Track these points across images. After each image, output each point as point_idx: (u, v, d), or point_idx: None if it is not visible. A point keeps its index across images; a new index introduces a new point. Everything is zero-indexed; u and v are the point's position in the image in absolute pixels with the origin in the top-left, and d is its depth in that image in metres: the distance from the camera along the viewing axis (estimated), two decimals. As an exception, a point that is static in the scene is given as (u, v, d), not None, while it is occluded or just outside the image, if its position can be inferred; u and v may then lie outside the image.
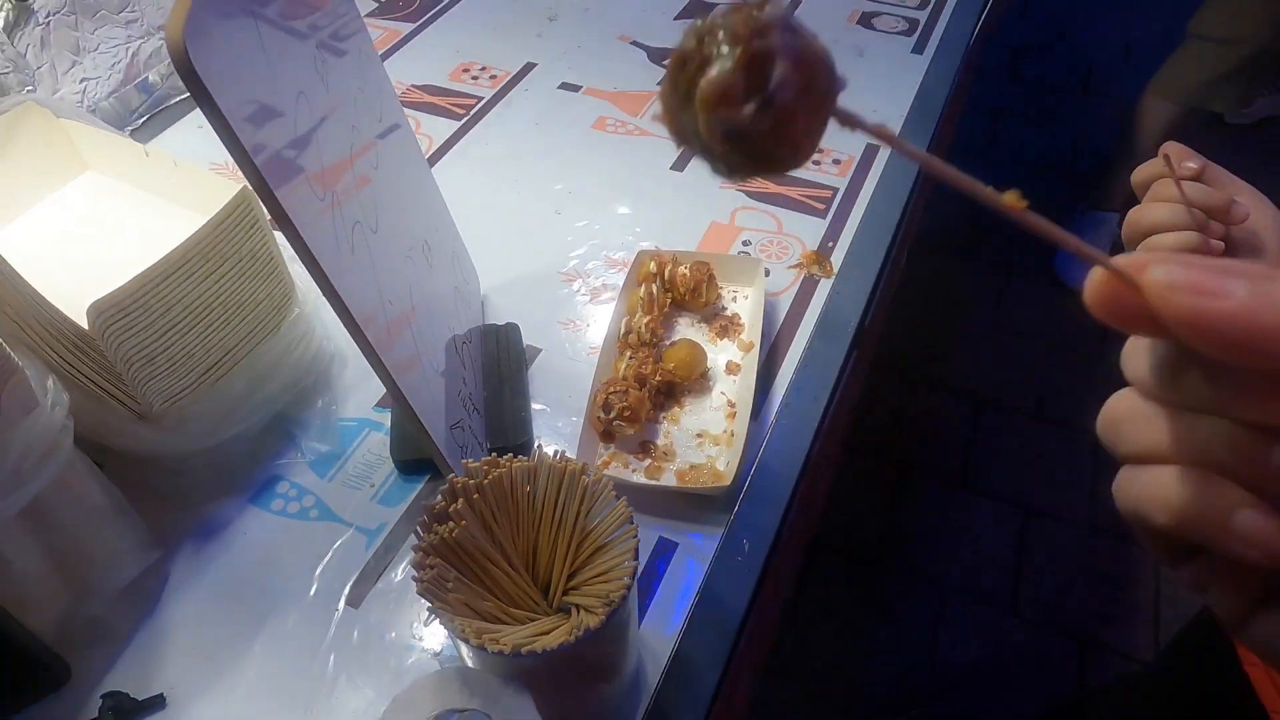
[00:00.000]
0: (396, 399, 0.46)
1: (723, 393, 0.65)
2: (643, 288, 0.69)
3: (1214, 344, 0.17)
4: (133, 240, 0.63)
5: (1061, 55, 2.66)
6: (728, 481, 0.56)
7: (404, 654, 0.52)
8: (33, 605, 0.48)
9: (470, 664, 0.42)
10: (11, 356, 0.41)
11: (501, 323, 0.69)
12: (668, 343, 0.67)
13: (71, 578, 0.50)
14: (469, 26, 1.07)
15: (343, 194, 0.44)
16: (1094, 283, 0.20)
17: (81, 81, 0.82)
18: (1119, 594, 1.49)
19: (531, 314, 0.71)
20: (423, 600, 0.39)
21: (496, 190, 0.83)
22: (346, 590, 0.55)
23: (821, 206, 0.80)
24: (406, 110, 0.85)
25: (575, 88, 0.96)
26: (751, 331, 0.68)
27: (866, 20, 1.06)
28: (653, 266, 0.70)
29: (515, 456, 0.44)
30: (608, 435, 0.61)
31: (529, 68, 0.99)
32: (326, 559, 0.56)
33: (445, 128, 0.91)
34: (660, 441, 0.63)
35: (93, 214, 0.65)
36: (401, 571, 0.56)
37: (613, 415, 0.60)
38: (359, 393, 0.66)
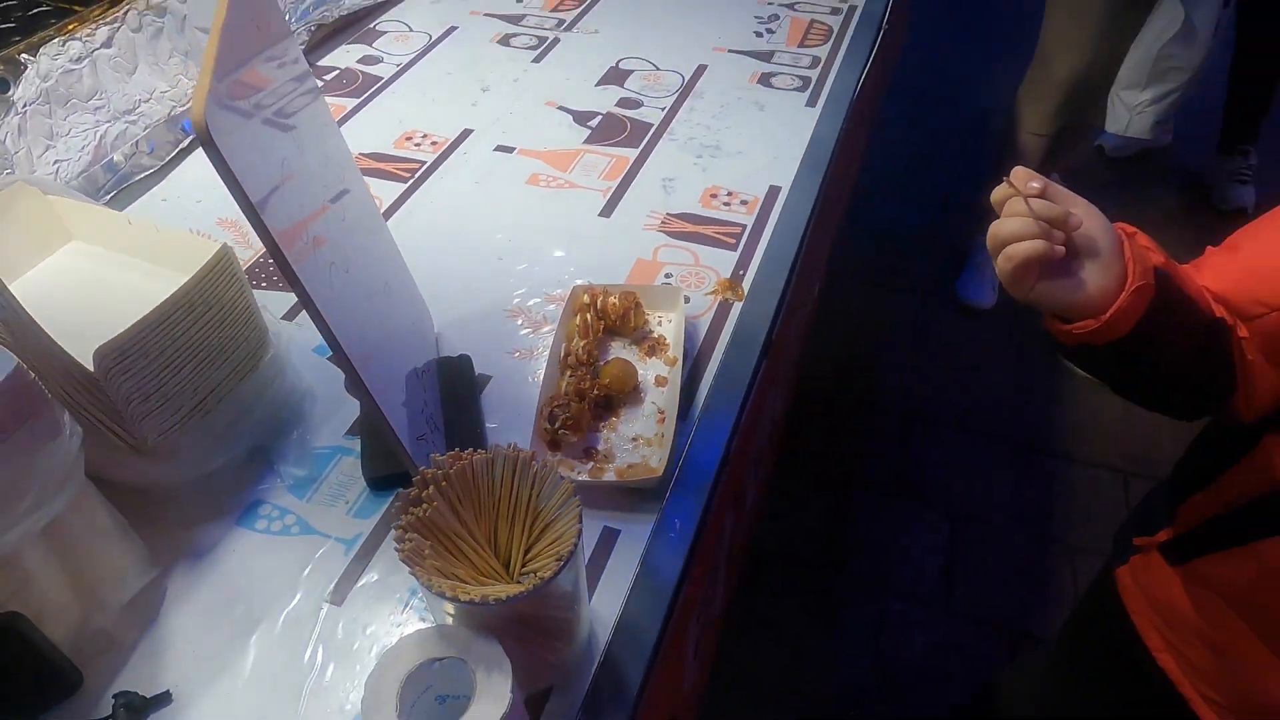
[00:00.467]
0: (371, 410, 0.55)
1: (653, 402, 0.75)
2: (578, 317, 0.79)
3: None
4: (122, 297, 0.70)
5: (963, 104, 2.91)
6: (659, 473, 0.66)
7: (385, 641, 0.59)
8: (50, 618, 0.54)
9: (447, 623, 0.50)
10: (43, 388, 0.48)
11: (455, 355, 0.78)
12: (603, 362, 0.77)
13: (83, 593, 0.56)
14: (409, 99, 1.18)
15: (317, 240, 0.53)
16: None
17: (55, 163, 0.89)
18: (1041, 586, 1.61)
19: (482, 347, 0.79)
20: (397, 596, 0.47)
21: (444, 242, 0.93)
22: (329, 591, 0.62)
23: (732, 241, 0.92)
24: (358, 175, 0.94)
25: (509, 149, 1.07)
26: (675, 349, 0.78)
27: (766, 80, 1.20)
28: (586, 298, 0.80)
29: (475, 451, 0.53)
30: (554, 444, 0.70)
31: (466, 133, 1.10)
32: (309, 567, 0.63)
33: (393, 190, 1.00)
34: (601, 447, 0.72)
35: (82, 277, 0.73)
36: (379, 572, 0.63)
37: (558, 425, 0.69)
38: (330, 423, 0.74)
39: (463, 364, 0.77)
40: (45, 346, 0.55)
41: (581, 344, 0.76)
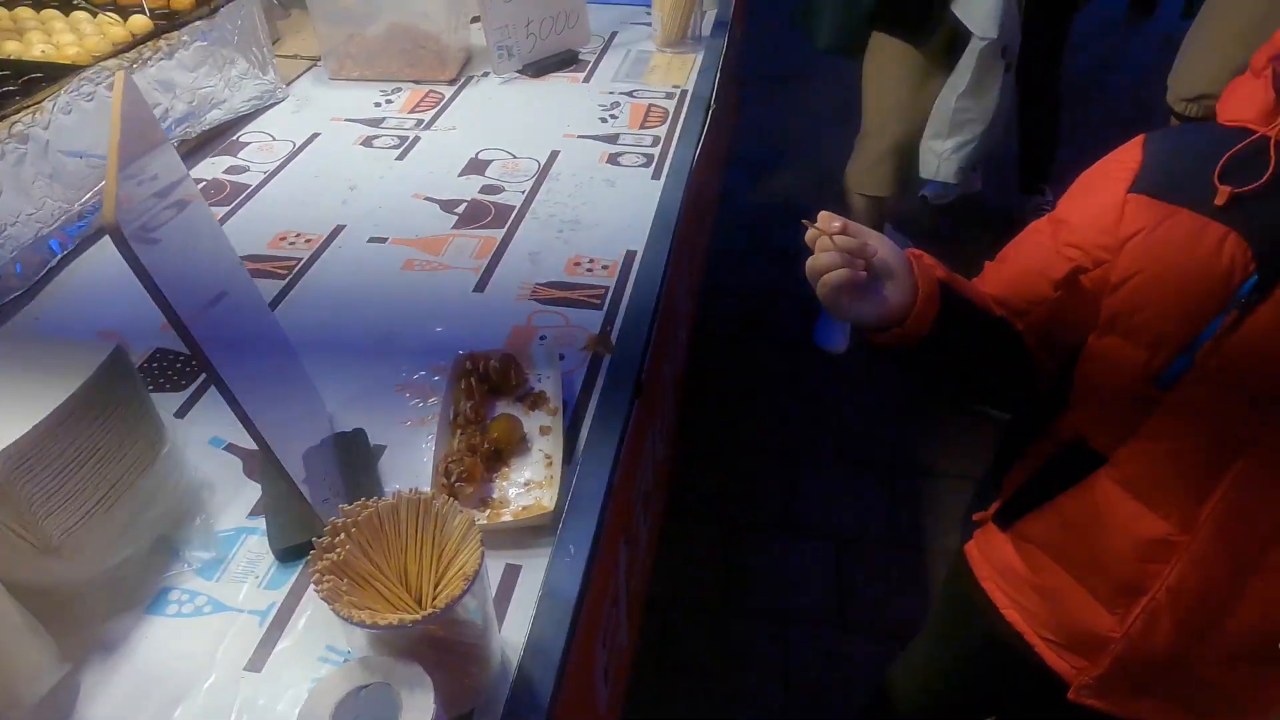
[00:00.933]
0: (277, 477, 0.60)
1: (540, 449, 0.82)
2: (463, 381, 0.86)
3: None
4: (16, 405, 0.72)
5: (800, 169, 3.19)
6: (551, 509, 0.73)
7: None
8: (-37, 721, 0.55)
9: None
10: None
11: (349, 429, 0.83)
12: (490, 419, 0.84)
13: (-5, 693, 0.57)
14: (279, 202, 1.23)
15: (221, 332, 0.59)
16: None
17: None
18: (922, 589, 1.75)
19: (375, 420, 0.85)
20: (316, 655, 0.52)
21: (329, 329, 0.98)
22: (247, 660, 0.65)
23: (597, 301, 1.02)
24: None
25: (383, 239, 1.14)
26: (555, 401, 0.86)
27: (614, 159, 1.33)
28: (469, 364, 0.87)
29: (380, 499, 0.59)
30: (453, 496, 0.76)
31: (340, 229, 1.17)
32: (225, 641, 0.66)
33: (273, 286, 1.05)
34: (495, 495, 0.78)
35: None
36: (294, 637, 0.67)
37: (454, 479, 0.76)
38: (232, 507, 0.77)
39: (358, 437, 0.82)
40: (-54, 455, 0.58)
41: (468, 405, 0.83)
